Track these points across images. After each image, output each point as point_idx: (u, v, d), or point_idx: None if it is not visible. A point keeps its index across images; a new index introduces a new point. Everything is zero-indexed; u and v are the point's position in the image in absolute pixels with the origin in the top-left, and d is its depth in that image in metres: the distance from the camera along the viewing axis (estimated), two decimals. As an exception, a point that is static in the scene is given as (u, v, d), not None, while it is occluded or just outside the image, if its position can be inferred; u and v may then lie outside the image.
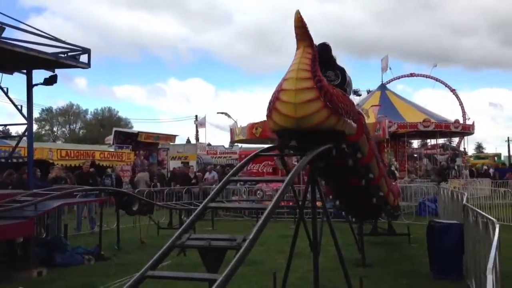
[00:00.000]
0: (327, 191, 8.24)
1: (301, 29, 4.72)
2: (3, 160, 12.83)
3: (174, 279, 3.71)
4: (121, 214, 11.26)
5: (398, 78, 41.71)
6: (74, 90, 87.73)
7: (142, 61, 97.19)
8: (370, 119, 20.12)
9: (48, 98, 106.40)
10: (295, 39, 4.78)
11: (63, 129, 69.80)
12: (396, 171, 14.68)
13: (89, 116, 69.73)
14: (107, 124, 61.37)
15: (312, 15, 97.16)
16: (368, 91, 33.24)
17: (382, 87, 27.75)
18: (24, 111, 10.22)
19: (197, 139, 42.59)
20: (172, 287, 6.09)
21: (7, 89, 10.22)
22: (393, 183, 11.39)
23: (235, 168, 5.23)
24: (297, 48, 4.85)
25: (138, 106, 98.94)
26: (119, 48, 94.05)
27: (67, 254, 8.79)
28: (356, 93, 36.37)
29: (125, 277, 7.17)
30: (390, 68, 30.74)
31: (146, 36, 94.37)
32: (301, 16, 4.76)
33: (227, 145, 39.91)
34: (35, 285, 7.30)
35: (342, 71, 5.92)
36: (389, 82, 36.08)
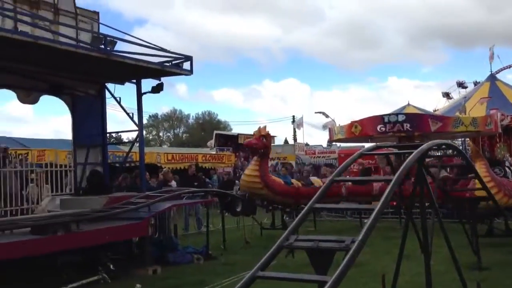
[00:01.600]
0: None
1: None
2: (117, 165, 13.78)
3: (284, 280, 3.72)
4: (225, 214, 11.65)
5: (509, 67, 38.61)
6: (176, 96, 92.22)
7: (237, 64, 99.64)
8: (479, 112, 18.86)
9: (153, 105, 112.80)
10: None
11: (168, 133, 73.64)
12: (509, 168, 13.55)
13: (191, 121, 72.95)
14: (207, 128, 63.72)
15: (410, 3, 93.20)
16: (476, 83, 31.19)
17: (492, 78, 25.84)
18: (135, 118, 10.92)
19: (295, 139, 42.75)
20: (277, 287, 6.16)
21: (120, 98, 10.99)
22: (507, 181, 10.57)
23: (339, 168, 5.16)
24: None
25: (235, 108, 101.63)
26: (214, 52, 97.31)
27: (178, 253, 9.25)
28: (462, 85, 34.23)
29: (233, 276, 7.39)
30: (498, 57, 28.56)
31: (240, 39, 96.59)
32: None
33: (325, 144, 39.61)
34: (151, 282, 7.77)
35: None
36: (498, 71, 33.50)
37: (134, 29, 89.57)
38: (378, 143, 8.47)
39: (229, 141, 29.15)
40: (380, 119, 16.39)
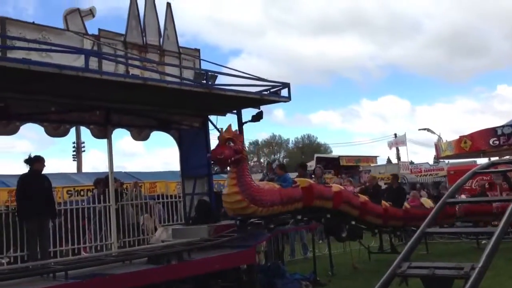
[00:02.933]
0: None
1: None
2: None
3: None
4: (331, 239, 11.46)
5: None
6: (274, 122, 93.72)
7: (333, 85, 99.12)
8: None
9: (252, 132, 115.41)
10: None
11: (268, 159, 74.80)
12: None
13: (290, 145, 73.53)
14: (307, 151, 63.76)
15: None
16: None
17: None
18: (237, 147, 11.25)
19: (398, 158, 41.25)
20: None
21: (222, 129, 11.41)
22: None
23: (451, 189, 4.89)
24: None
25: (334, 130, 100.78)
26: (309, 75, 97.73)
27: (286, 280, 9.23)
28: None
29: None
30: None
31: (334, 60, 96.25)
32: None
33: (431, 162, 37.73)
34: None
35: None
36: None
37: (230, 60, 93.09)
38: (492, 159, 7.89)
39: (330, 164, 28.87)
40: (492, 131, 15.35)
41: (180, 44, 10.30)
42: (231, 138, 8.23)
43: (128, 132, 10.19)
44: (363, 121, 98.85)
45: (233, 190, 8.11)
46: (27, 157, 7.77)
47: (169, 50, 10.03)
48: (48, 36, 8.27)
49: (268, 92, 10.58)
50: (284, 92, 10.69)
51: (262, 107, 11.23)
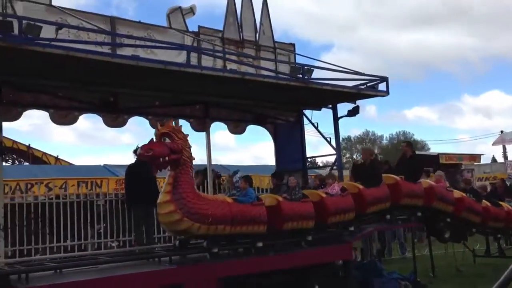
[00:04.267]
0: None
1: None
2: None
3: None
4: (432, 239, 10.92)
5: None
6: (366, 118, 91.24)
7: (429, 80, 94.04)
8: None
9: (343, 128, 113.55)
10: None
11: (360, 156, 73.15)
12: None
13: (384, 141, 71.32)
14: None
15: None
16: None
17: None
18: (332, 142, 11.09)
19: (505, 157, 38.35)
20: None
21: (317, 124, 11.32)
22: None
23: None
24: None
25: (431, 127, 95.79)
26: (402, 70, 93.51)
27: (384, 279, 8.95)
28: None
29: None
30: None
31: (430, 53, 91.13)
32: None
33: (545, 160, 34.60)
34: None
35: None
36: None
37: (321, 55, 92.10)
38: None
39: (429, 161, 27.52)
40: None
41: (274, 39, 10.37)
42: (168, 133, 6.52)
43: (222, 126, 10.46)
44: (464, 117, 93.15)
45: (165, 199, 6.44)
46: (135, 148, 8.21)
47: (265, 45, 10.13)
48: (153, 33, 8.70)
49: (365, 86, 10.30)
50: (382, 86, 10.36)
51: (358, 102, 10.97)
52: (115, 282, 5.92)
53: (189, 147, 6.69)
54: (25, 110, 7.76)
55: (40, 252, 7.54)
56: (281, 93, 9.55)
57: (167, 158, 6.31)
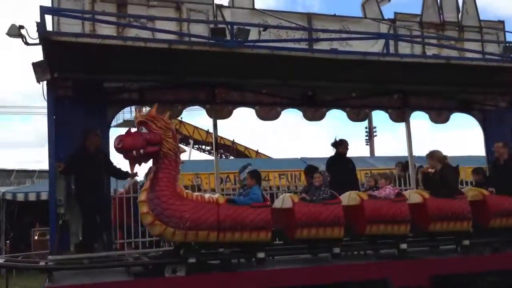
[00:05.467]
0: None
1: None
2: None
3: None
4: None
5: None
6: None
7: None
8: None
9: None
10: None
11: None
12: None
13: None
14: None
15: None
16: None
17: None
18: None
19: None
20: None
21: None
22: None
23: None
24: None
25: None
26: None
27: None
28: None
29: None
30: None
31: None
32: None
33: None
34: None
35: None
36: None
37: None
38: None
39: None
40: None
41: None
42: (144, 122, 5.64)
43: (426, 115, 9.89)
44: None
45: (140, 198, 5.72)
46: (333, 141, 8.34)
47: (468, 26, 9.29)
48: (348, 25, 8.68)
49: None
50: None
51: None
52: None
53: (173, 137, 5.73)
54: (235, 108, 8.49)
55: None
56: (491, 76, 8.64)
57: (141, 151, 5.46)
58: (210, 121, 8.36)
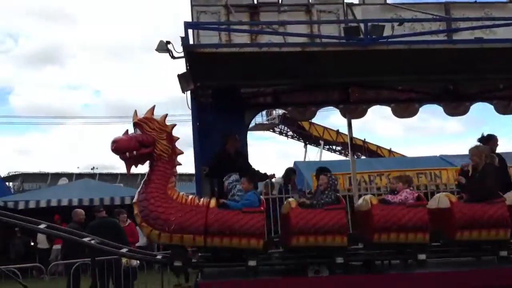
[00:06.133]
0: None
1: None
2: None
3: None
4: None
5: None
6: None
7: None
8: None
9: None
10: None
11: None
12: None
13: None
14: None
15: None
16: None
17: None
18: None
19: None
20: None
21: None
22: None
23: None
24: None
25: None
26: None
27: None
28: None
29: None
30: None
31: None
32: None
33: None
34: None
35: None
36: None
37: None
38: None
39: None
40: None
41: None
42: (138, 124, 5.59)
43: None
44: None
45: (134, 199, 5.73)
46: (480, 136, 7.74)
47: None
48: (490, 12, 8.04)
49: None
50: None
51: None
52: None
53: (168, 139, 5.64)
54: (369, 107, 8.30)
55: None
56: None
57: (134, 152, 5.44)
58: (339, 121, 8.31)
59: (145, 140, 5.50)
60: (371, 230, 5.75)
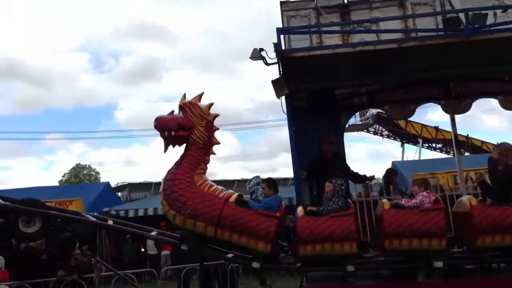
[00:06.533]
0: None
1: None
2: None
3: None
4: None
5: None
6: None
7: None
8: None
9: None
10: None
11: None
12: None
13: None
14: None
15: None
16: None
17: None
18: None
19: None
20: None
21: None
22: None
23: None
24: None
25: None
26: None
27: None
28: None
29: None
30: None
31: None
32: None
33: None
34: None
35: None
36: None
37: None
38: None
39: None
40: None
41: None
42: (182, 107, 5.83)
43: None
44: None
45: (163, 177, 5.97)
46: None
47: None
48: None
49: None
50: None
51: None
52: None
53: (207, 127, 5.80)
54: (474, 101, 7.82)
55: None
56: None
57: (172, 133, 5.70)
58: (437, 117, 7.92)
59: (185, 123, 5.74)
60: (473, 233, 5.44)
